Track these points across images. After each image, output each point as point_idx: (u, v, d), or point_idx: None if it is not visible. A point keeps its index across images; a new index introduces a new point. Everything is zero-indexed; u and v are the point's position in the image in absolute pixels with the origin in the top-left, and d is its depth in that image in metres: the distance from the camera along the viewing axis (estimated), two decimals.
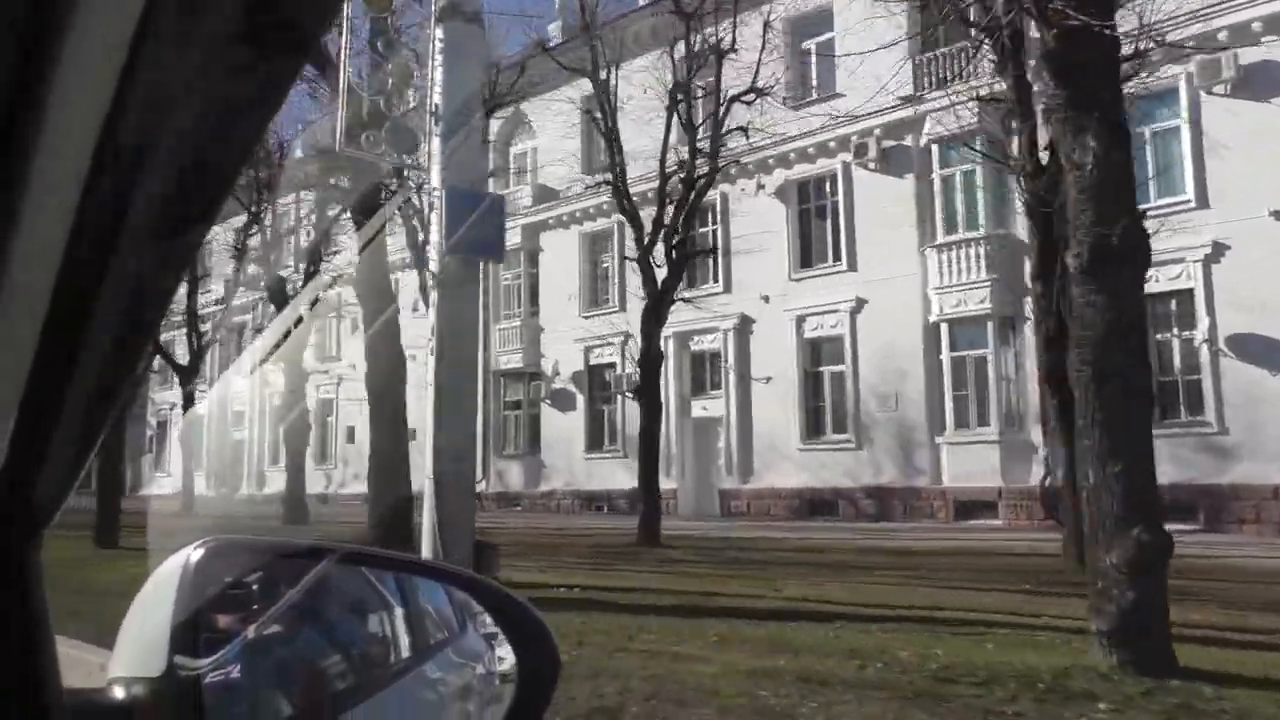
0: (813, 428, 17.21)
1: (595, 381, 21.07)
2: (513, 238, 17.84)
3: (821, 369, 17.35)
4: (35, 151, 0.35)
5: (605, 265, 21.38)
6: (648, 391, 11.74)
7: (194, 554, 0.60)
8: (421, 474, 5.49)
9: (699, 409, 18.88)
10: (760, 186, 17.75)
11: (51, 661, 0.54)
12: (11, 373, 0.43)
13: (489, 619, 0.75)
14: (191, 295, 17.41)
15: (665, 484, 20.25)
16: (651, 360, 11.66)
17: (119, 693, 0.57)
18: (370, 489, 9.29)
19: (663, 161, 11.52)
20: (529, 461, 21.83)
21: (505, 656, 0.73)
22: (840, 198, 16.89)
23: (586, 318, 21.16)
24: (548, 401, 21.87)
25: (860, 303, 16.31)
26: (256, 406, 26.37)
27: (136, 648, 0.58)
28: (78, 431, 0.49)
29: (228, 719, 0.58)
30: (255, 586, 0.64)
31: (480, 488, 22.14)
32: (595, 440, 20.88)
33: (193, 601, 0.58)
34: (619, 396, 19.97)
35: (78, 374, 0.46)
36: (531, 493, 21.36)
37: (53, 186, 0.37)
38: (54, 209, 0.37)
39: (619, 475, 19.58)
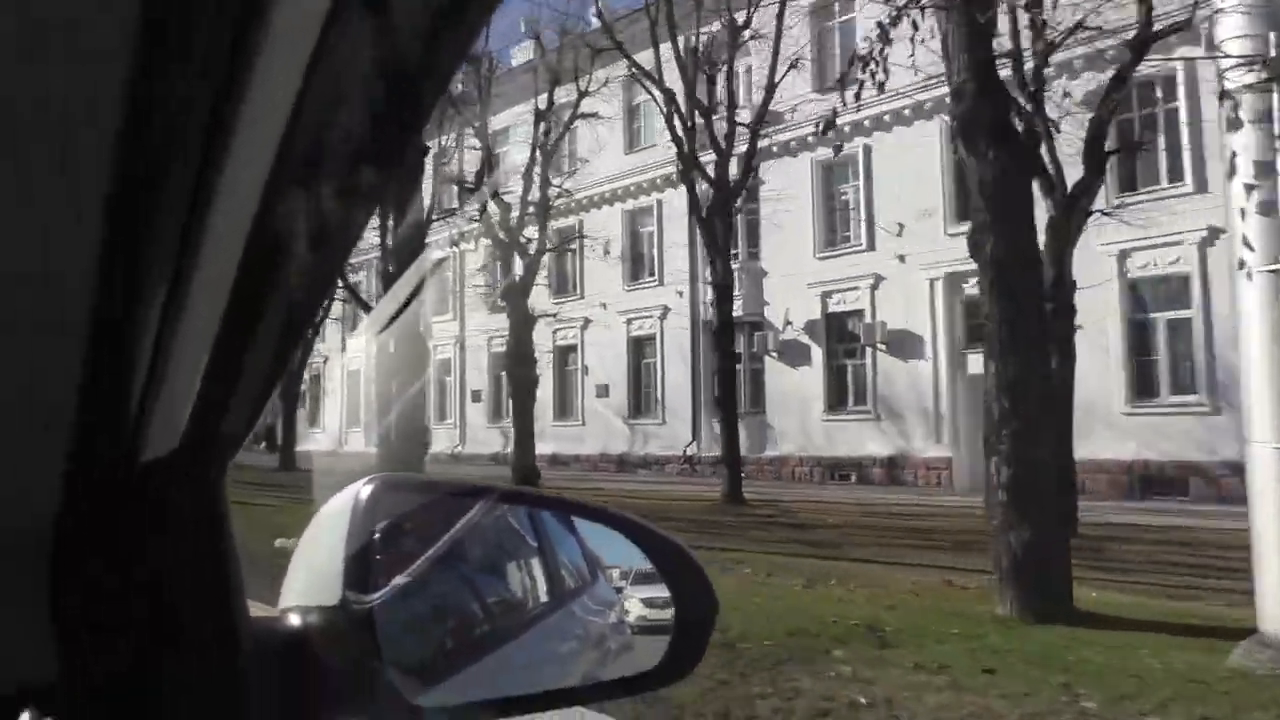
0: (1142, 387, 15.65)
1: (835, 332, 20.56)
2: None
3: (1154, 315, 15.60)
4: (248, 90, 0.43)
5: (845, 197, 20.73)
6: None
7: (363, 490, 0.70)
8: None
9: (977, 364, 17.84)
10: None
11: (238, 586, 0.66)
12: (208, 308, 0.52)
13: (622, 568, 0.82)
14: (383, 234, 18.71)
15: (934, 451, 19.40)
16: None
17: (295, 619, 0.68)
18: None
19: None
20: (751, 423, 21.52)
21: (632, 609, 0.81)
22: None
23: (823, 259, 20.68)
24: (774, 355, 21.67)
25: (1214, 233, 14.05)
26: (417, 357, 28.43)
27: (309, 579, 0.69)
28: (264, 367, 0.59)
29: (398, 650, 0.68)
30: (419, 523, 0.74)
31: (692, 451, 22.65)
32: (838, 399, 20.41)
33: (362, 536, 0.68)
34: (869, 349, 19.38)
35: (268, 311, 0.55)
36: (756, 458, 21.13)
37: (256, 120, 0.44)
38: (258, 143, 0.45)
39: (869, 440, 19.20)
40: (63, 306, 0.50)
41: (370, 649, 0.66)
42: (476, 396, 27.61)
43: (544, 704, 0.71)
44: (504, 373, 21.35)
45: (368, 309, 19.94)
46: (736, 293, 21.57)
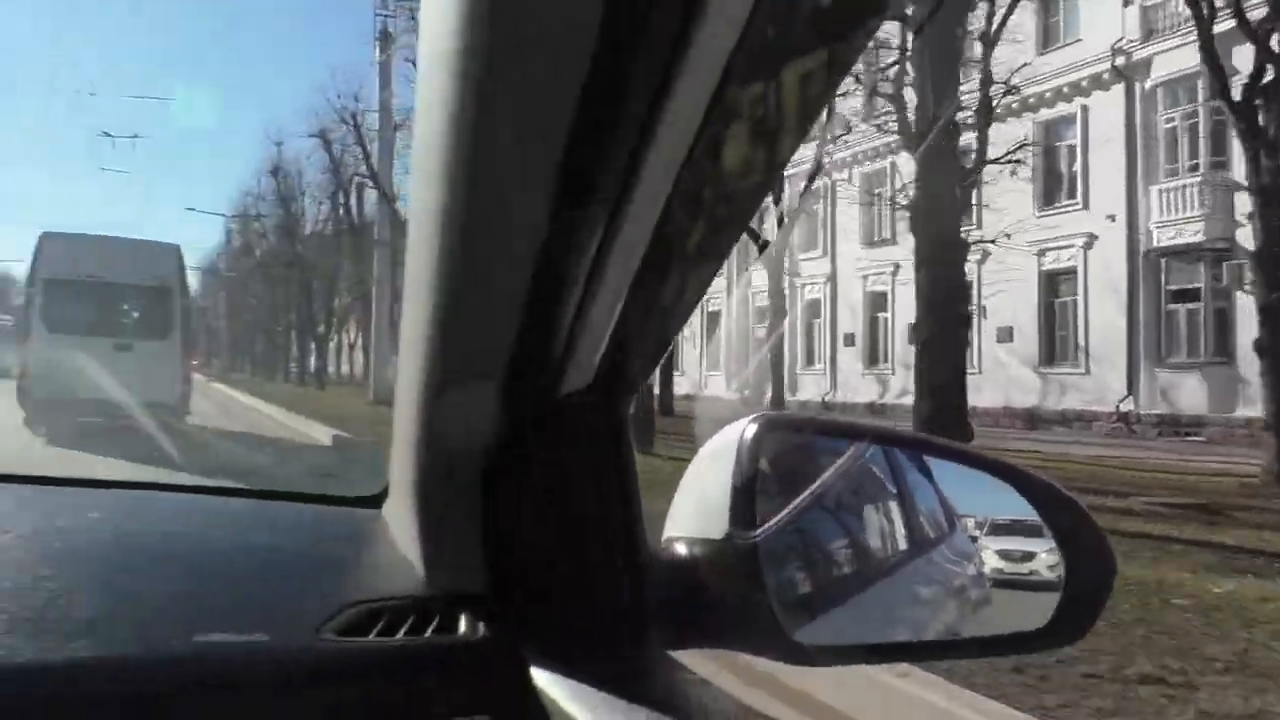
0: None
1: None
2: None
3: None
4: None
5: None
6: None
7: (748, 428, 0.79)
8: None
9: None
10: None
11: (639, 512, 0.79)
12: (628, 256, 0.65)
13: (976, 517, 0.83)
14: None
15: None
16: None
17: (681, 549, 0.79)
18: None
19: None
20: (1213, 374, 18.74)
21: (987, 560, 0.82)
22: None
23: None
24: (1249, 288, 17.93)
25: None
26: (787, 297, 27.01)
27: (695, 511, 0.80)
28: (667, 311, 0.72)
29: (779, 585, 0.76)
30: (799, 462, 0.80)
31: (1127, 406, 19.64)
32: None
33: (746, 473, 0.76)
34: None
35: (674, 261, 0.68)
36: (1219, 418, 18.30)
37: (698, 68, 0.54)
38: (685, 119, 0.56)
39: None
40: (510, 253, 0.64)
41: (755, 583, 0.74)
42: (849, 340, 27.15)
43: (923, 654, 0.74)
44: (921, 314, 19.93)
45: (763, 247, 20.52)
46: (1195, 213, 17.80)
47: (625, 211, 0.62)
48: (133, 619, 0.74)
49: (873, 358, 25.73)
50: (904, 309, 22.30)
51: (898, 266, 22.69)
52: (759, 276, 25.18)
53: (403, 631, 0.78)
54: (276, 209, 34.52)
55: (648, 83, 0.55)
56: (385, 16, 21.53)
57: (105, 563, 0.85)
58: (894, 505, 0.85)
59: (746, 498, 0.75)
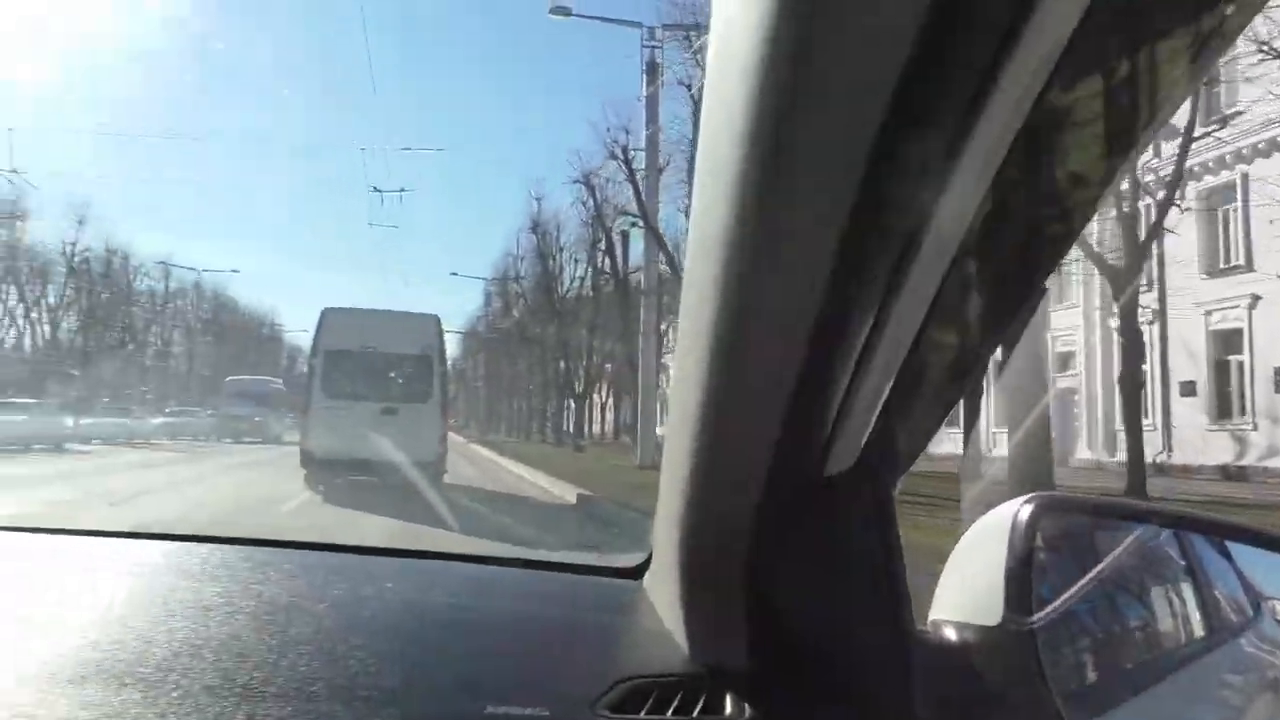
0: None
1: None
2: None
3: None
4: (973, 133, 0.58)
5: None
6: None
7: (1021, 509, 0.82)
8: None
9: None
10: None
11: (906, 594, 0.84)
12: (903, 331, 0.70)
13: None
14: None
15: None
16: None
17: (950, 633, 0.82)
18: None
19: None
20: None
21: None
22: None
23: None
24: None
25: None
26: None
27: (964, 594, 0.83)
28: (935, 398, 0.78)
29: (1060, 675, 0.78)
30: (1080, 545, 0.81)
31: None
32: None
33: (1023, 555, 0.79)
34: None
35: (944, 354, 0.73)
36: None
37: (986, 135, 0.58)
38: (956, 214, 0.61)
39: None
40: (784, 333, 0.69)
41: (1034, 672, 0.76)
42: (1188, 388, 24.06)
43: None
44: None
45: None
46: None
47: (899, 293, 0.67)
48: (430, 689, 0.88)
49: (1223, 410, 22.92)
50: (1266, 348, 20.38)
51: (1256, 299, 20.69)
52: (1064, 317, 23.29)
53: (671, 710, 0.87)
54: (535, 266, 36.86)
55: (929, 157, 0.58)
56: (652, 47, 21.91)
57: (404, 633, 1.00)
58: (1188, 590, 0.84)
59: (1022, 582, 0.78)
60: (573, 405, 34.86)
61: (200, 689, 0.80)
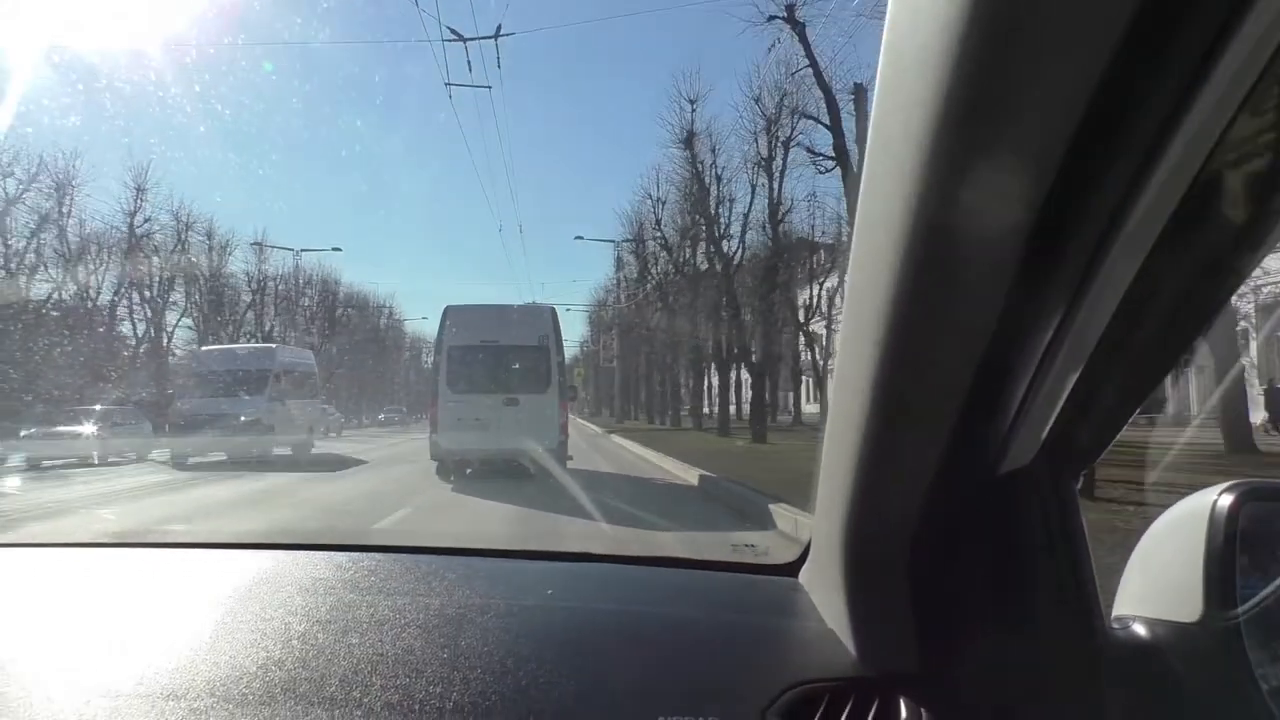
0: None
1: None
2: None
3: None
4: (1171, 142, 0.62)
5: None
6: None
7: (1221, 497, 0.86)
8: None
9: None
10: None
11: (1094, 592, 0.89)
12: (1089, 330, 0.75)
13: None
14: None
15: None
16: None
17: (1140, 630, 0.87)
18: None
19: None
20: None
21: None
22: None
23: None
24: None
25: None
26: None
27: (1156, 589, 0.87)
28: (1123, 395, 0.83)
29: (1272, 675, 0.81)
30: None
31: None
32: None
33: (1224, 546, 0.84)
34: None
35: (1132, 351, 0.78)
36: None
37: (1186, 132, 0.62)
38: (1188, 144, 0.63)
39: None
40: (964, 324, 0.75)
41: (1240, 671, 0.81)
42: None
43: None
44: None
45: None
46: None
47: (1085, 294, 0.72)
48: (602, 700, 1.00)
49: None
50: None
51: None
52: None
53: (844, 716, 0.96)
54: (682, 202, 34.00)
55: (1122, 166, 0.64)
56: None
57: (569, 642, 1.12)
58: None
59: (1225, 574, 0.82)
60: (747, 380, 30.68)
61: (382, 705, 0.94)
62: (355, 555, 1.42)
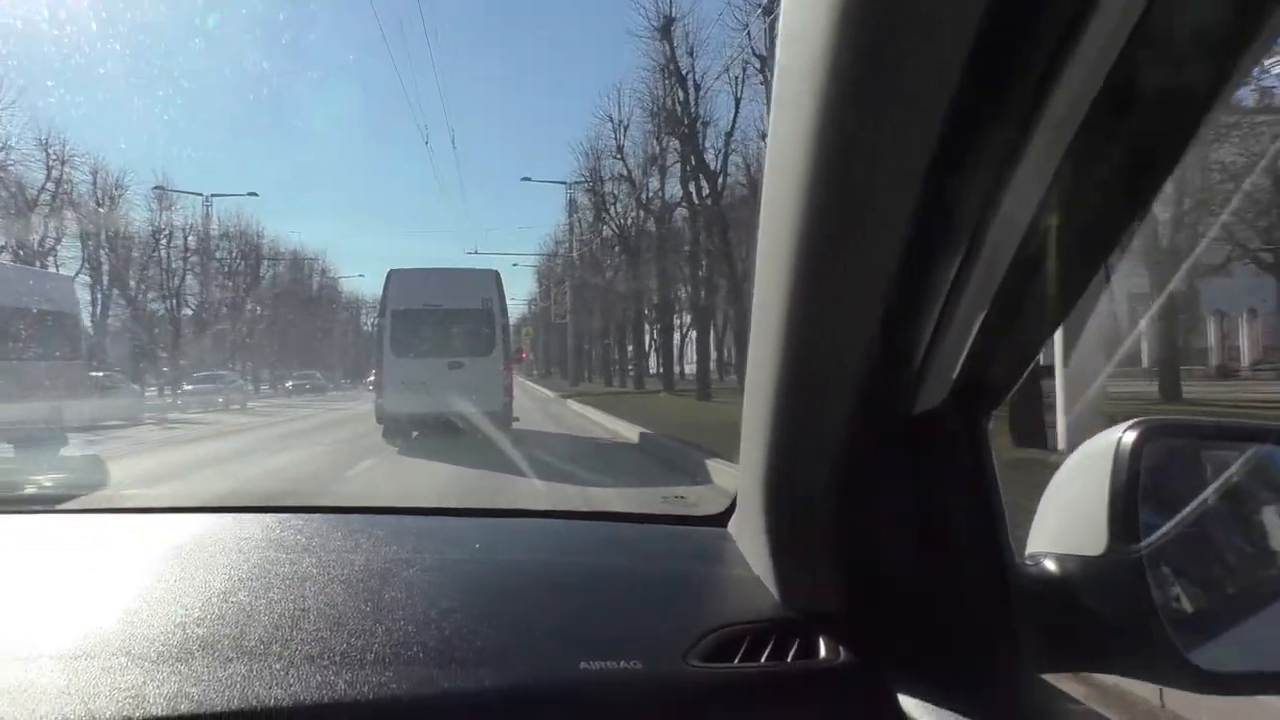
0: None
1: None
2: None
3: None
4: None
5: None
6: None
7: (1125, 435, 0.94)
8: None
9: None
10: None
11: (1004, 528, 0.97)
12: (990, 270, 0.83)
13: None
14: None
15: None
16: None
17: (1051, 565, 0.95)
18: None
19: None
20: None
21: None
22: None
23: None
24: None
25: None
26: None
27: (1065, 524, 0.96)
28: (1032, 330, 0.91)
29: (1170, 601, 0.91)
30: (1186, 468, 0.96)
31: None
32: None
33: (1128, 482, 0.92)
34: None
35: (1038, 284, 0.86)
36: None
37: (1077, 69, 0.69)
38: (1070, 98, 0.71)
39: None
40: (869, 265, 0.83)
41: (1142, 600, 0.90)
42: None
43: None
44: None
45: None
46: None
47: (988, 229, 0.79)
48: (525, 647, 1.07)
49: None
50: None
51: None
52: None
53: (765, 656, 1.05)
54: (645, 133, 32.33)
55: (1016, 96, 0.71)
56: None
57: (495, 593, 1.22)
58: None
59: (1128, 509, 0.91)
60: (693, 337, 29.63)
61: (302, 658, 1.01)
62: (282, 516, 1.50)
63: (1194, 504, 0.95)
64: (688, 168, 29.52)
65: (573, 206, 44.19)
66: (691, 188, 29.46)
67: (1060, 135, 0.73)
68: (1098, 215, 0.81)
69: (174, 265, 47.56)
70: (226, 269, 51.79)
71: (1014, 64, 0.69)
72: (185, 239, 47.85)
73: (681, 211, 31.96)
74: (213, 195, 47.42)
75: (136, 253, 44.65)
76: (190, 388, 34.89)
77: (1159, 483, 0.95)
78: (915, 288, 0.84)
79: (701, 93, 28.80)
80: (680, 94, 28.94)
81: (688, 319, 35.45)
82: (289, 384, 51.60)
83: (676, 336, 38.33)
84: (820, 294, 0.87)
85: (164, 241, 46.25)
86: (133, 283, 43.29)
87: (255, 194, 62.70)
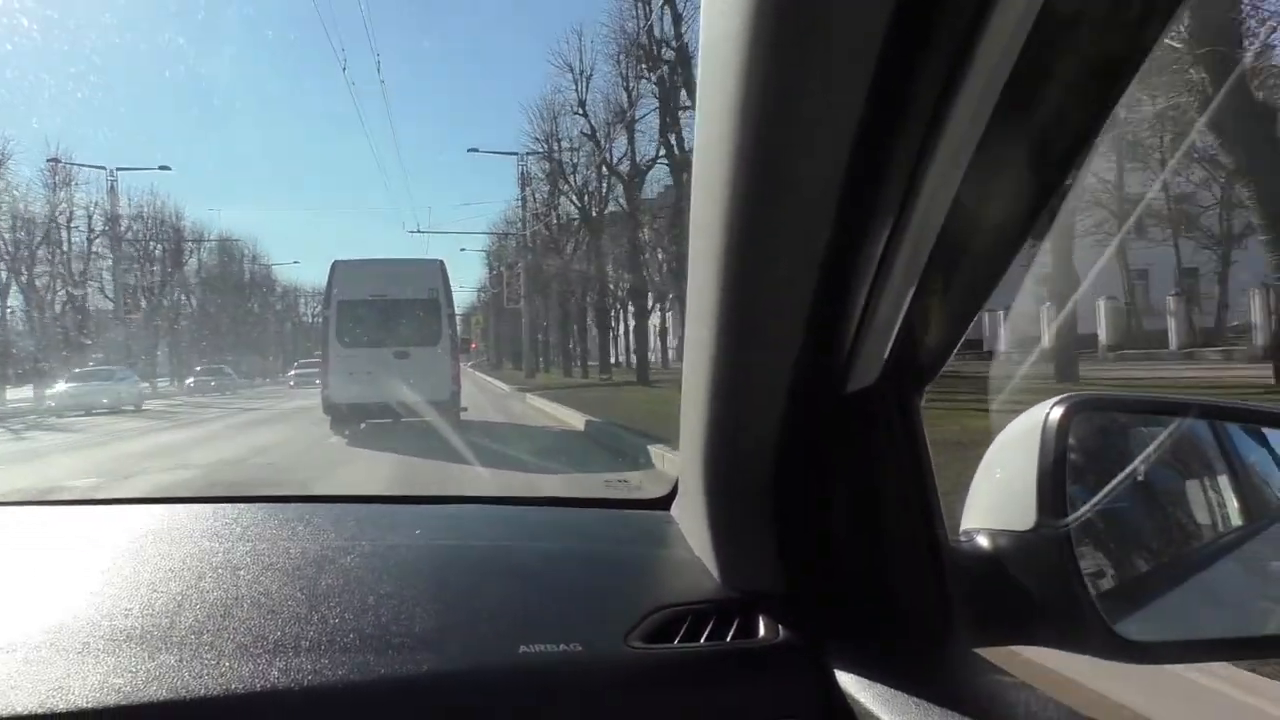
0: None
1: None
2: None
3: None
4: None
5: None
6: None
7: (1053, 410, 1.00)
8: None
9: None
10: None
11: (937, 505, 1.03)
12: (916, 251, 0.89)
13: None
14: None
15: None
16: None
17: (984, 541, 1.02)
18: None
19: None
20: None
21: None
22: None
23: None
24: None
25: None
26: None
27: (996, 501, 1.02)
28: (959, 307, 0.97)
29: (1097, 575, 0.97)
30: (1112, 443, 1.02)
31: None
32: None
33: (1055, 458, 0.98)
34: None
35: (964, 262, 0.93)
36: None
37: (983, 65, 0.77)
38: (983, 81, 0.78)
39: None
40: (797, 250, 0.89)
41: (1069, 574, 0.96)
42: None
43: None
44: None
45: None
46: None
47: (913, 205, 0.84)
48: (464, 632, 1.12)
49: None
50: None
51: None
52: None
53: (704, 636, 1.11)
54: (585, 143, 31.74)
55: (937, 68, 0.76)
56: None
57: (434, 578, 1.27)
58: (1225, 481, 1.02)
59: (1055, 485, 0.98)
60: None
61: (234, 648, 1.05)
62: (217, 506, 1.54)
63: (1119, 478, 1.02)
64: (667, 118, 27.80)
65: (525, 179, 42.68)
66: (672, 138, 27.04)
67: (975, 122, 0.79)
68: (1015, 196, 0.87)
69: (71, 247, 45.20)
70: (138, 252, 49.82)
71: (929, 43, 0.75)
72: (89, 218, 45.35)
73: (656, 174, 29.98)
74: (118, 169, 44.97)
75: (23, 233, 42.18)
76: (68, 386, 30.01)
77: (1086, 457, 1.02)
78: (844, 271, 0.90)
79: (685, 24, 26.16)
80: (659, 24, 26.92)
81: (670, 299, 33.24)
82: (189, 381, 46.62)
83: (656, 318, 36.17)
84: (751, 278, 0.93)
85: (63, 221, 44.19)
86: (8, 265, 40.01)
87: (168, 168, 59.22)
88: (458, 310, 19.66)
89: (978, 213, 0.87)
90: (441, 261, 18.09)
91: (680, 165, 25.89)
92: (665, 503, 1.46)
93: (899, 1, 0.72)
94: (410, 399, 14.97)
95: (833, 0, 0.74)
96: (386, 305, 16.92)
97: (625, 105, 30.96)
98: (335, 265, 17.13)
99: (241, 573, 1.23)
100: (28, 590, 1.22)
